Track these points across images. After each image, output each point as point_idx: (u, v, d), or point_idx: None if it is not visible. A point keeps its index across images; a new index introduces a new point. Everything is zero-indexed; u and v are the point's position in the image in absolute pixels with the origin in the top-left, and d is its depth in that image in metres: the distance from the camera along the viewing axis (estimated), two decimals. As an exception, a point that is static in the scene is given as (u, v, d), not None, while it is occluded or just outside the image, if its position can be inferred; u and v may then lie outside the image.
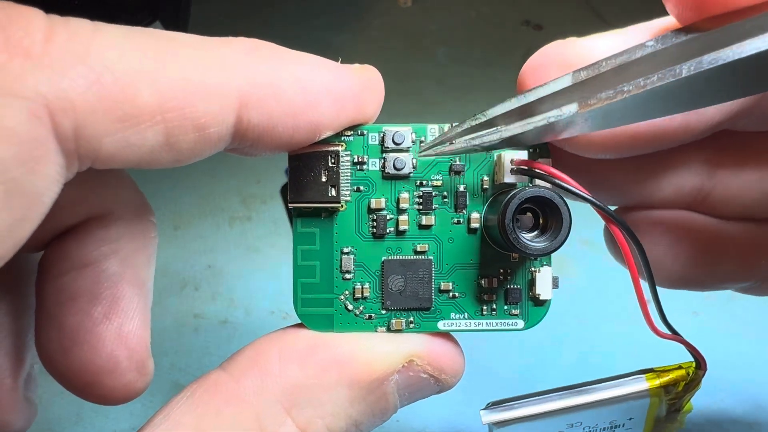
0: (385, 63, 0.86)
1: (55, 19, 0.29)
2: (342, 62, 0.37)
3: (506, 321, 0.39)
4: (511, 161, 0.37)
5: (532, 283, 0.39)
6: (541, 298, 0.39)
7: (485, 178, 0.38)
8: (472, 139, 0.36)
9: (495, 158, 0.38)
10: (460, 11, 0.91)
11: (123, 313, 0.36)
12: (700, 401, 0.67)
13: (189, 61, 0.31)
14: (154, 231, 0.39)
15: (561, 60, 0.37)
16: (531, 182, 0.37)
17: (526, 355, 0.70)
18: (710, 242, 0.42)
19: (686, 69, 0.30)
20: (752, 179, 0.41)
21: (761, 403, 0.69)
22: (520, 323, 0.39)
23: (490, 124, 0.36)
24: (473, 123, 0.36)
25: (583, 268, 0.76)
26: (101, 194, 0.37)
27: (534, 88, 0.35)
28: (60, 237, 0.37)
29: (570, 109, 0.33)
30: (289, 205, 0.37)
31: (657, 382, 0.42)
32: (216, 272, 0.77)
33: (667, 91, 0.31)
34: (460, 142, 0.36)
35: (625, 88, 0.32)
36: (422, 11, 0.91)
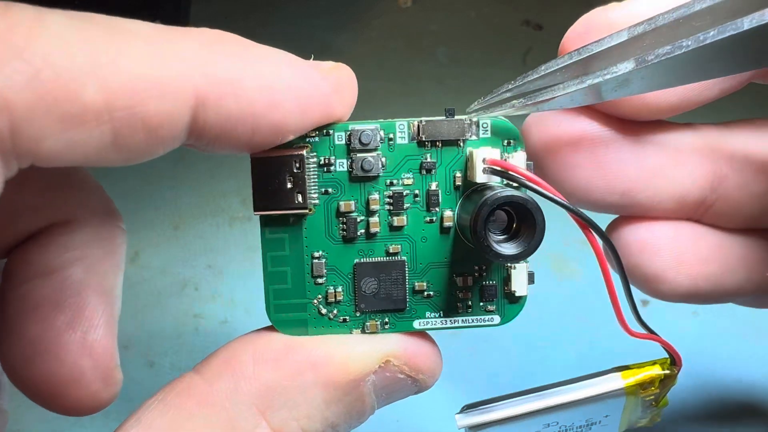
0: (385, 63, 0.87)
1: None
2: (331, 60, 0.36)
3: (482, 317, 0.39)
4: (483, 160, 0.36)
5: (507, 279, 0.38)
6: (517, 294, 0.38)
7: (458, 174, 0.38)
8: (525, 99, 0.35)
9: (467, 153, 0.37)
10: (460, 11, 0.91)
11: (87, 321, 0.36)
12: (699, 401, 0.67)
13: (142, 55, 0.29)
14: (122, 237, 0.38)
15: (607, 25, 0.36)
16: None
17: (526, 354, 0.70)
18: (713, 256, 0.42)
19: (748, 22, 0.29)
20: (757, 191, 0.41)
21: (761, 403, 0.68)
22: (496, 319, 0.39)
23: (542, 82, 0.35)
24: (523, 81, 0.35)
25: (582, 268, 0.76)
26: (64, 199, 0.36)
27: (588, 45, 0.35)
28: (22, 244, 0.36)
29: (627, 66, 0.32)
30: (255, 213, 0.37)
31: (633, 380, 0.41)
32: (216, 272, 0.77)
33: (728, 47, 0.30)
34: (511, 103, 0.36)
35: (684, 43, 0.30)
36: (422, 11, 0.91)
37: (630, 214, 0.42)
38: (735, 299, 0.44)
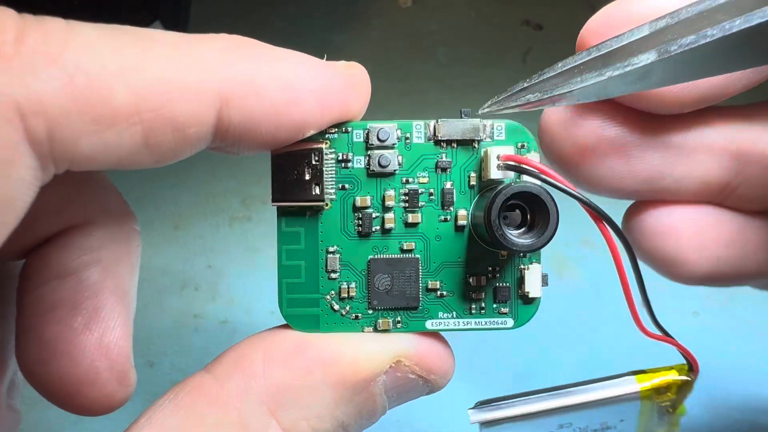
0: (385, 63, 0.87)
1: (28, 19, 0.29)
2: (331, 60, 0.36)
3: (495, 320, 0.39)
4: (498, 156, 0.36)
5: (521, 280, 0.38)
6: (531, 296, 0.38)
7: (472, 174, 0.38)
8: (541, 93, 0.35)
9: (482, 154, 0.38)
10: (460, 11, 0.91)
11: (104, 323, 0.36)
12: (699, 401, 0.67)
13: (166, 60, 0.30)
14: (138, 239, 0.39)
15: (627, 19, 0.36)
16: (519, 178, 0.37)
17: (526, 353, 0.70)
18: (735, 239, 0.41)
19: None
20: None
21: (762, 404, 0.68)
22: (510, 322, 0.39)
23: (559, 80, 0.35)
24: (539, 79, 0.35)
25: (583, 269, 0.76)
26: (82, 202, 0.37)
27: (607, 41, 0.34)
28: (41, 246, 0.37)
29: (648, 57, 0.32)
30: (272, 203, 0.37)
31: (648, 384, 0.41)
32: (216, 272, 0.77)
33: (755, 36, 0.29)
34: (526, 98, 0.35)
35: (709, 33, 0.30)
36: (422, 11, 0.91)
37: (653, 199, 0.42)
38: (753, 282, 0.44)
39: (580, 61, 0.35)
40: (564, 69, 0.35)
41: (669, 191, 0.41)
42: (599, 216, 0.35)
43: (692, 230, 0.41)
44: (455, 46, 0.89)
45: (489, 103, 0.37)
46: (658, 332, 0.39)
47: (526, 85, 0.36)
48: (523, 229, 0.36)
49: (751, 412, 0.68)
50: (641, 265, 0.38)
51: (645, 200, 0.42)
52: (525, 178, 0.36)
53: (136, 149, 0.30)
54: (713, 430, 0.67)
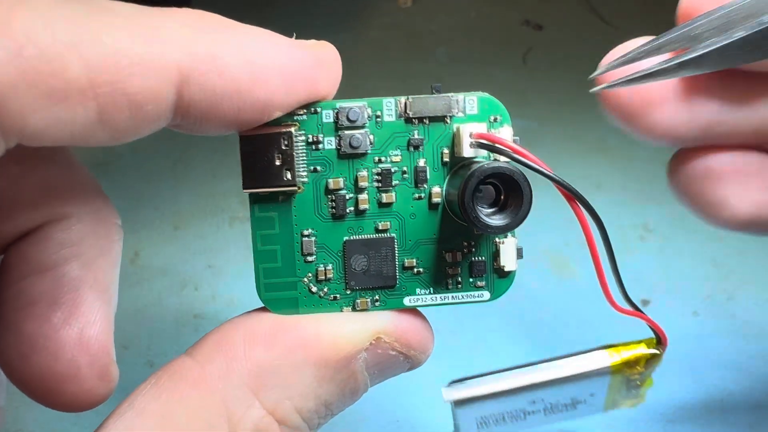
0: (385, 63, 0.87)
1: None
2: (312, 46, 0.36)
3: (472, 293, 0.39)
4: (470, 134, 0.36)
5: (496, 254, 0.38)
6: (506, 269, 0.38)
7: (445, 150, 0.38)
8: (665, 61, 0.33)
9: (454, 130, 0.37)
10: (460, 11, 0.91)
11: (84, 318, 0.36)
12: (698, 401, 0.66)
13: (124, 32, 0.29)
14: (119, 234, 0.39)
15: None
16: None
17: (526, 355, 0.69)
18: None
19: None
20: None
21: (762, 404, 0.68)
22: (486, 295, 0.39)
23: (689, 40, 0.33)
24: (666, 38, 0.33)
25: (583, 269, 0.76)
26: (61, 196, 0.36)
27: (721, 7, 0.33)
28: (19, 240, 0.36)
29: None
30: (244, 190, 0.37)
31: (618, 358, 0.41)
32: (216, 272, 0.77)
33: None
34: (653, 68, 0.33)
35: None
36: (422, 11, 0.91)
37: (703, 145, 0.41)
38: None
39: (695, 24, 0.32)
40: (681, 32, 0.33)
41: (721, 137, 0.40)
42: (572, 195, 0.35)
43: (737, 175, 0.41)
44: (455, 46, 0.89)
45: (598, 72, 0.36)
46: (629, 307, 0.39)
47: (644, 48, 0.33)
48: (497, 207, 0.36)
49: (750, 411, 0.67)
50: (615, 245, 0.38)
51: (695, 143, 0.41)
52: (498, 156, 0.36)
53: (90, 125, 0.29)
54: (713, 430, 0.67)
